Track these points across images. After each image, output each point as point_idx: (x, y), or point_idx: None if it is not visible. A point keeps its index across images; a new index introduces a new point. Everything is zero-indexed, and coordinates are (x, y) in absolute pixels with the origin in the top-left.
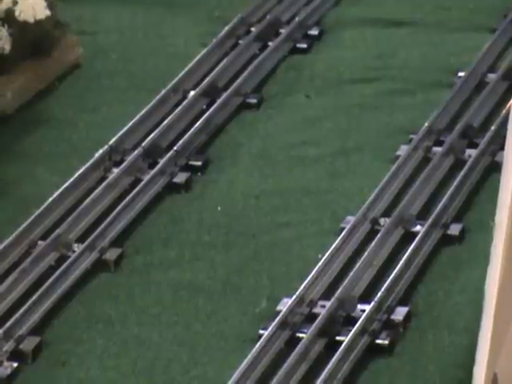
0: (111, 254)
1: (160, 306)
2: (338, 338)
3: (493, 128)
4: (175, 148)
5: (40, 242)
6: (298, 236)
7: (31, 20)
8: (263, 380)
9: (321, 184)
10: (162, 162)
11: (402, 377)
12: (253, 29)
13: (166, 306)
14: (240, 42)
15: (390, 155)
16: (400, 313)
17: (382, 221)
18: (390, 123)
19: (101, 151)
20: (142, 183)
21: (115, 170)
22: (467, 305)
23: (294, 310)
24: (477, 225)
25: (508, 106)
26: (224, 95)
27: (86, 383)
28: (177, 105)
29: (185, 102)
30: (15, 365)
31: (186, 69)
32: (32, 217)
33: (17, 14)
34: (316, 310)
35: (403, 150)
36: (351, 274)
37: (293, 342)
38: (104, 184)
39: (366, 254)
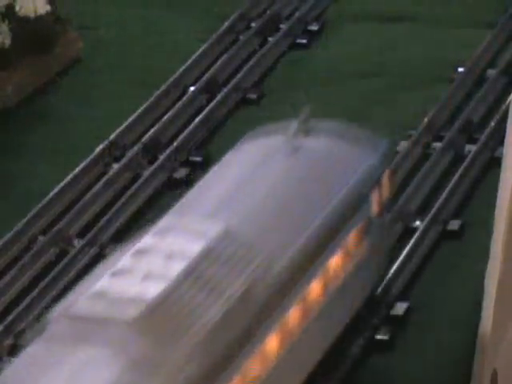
0: (111, 250)
1: None
2: None
3: (492, 124)
4: (175, 143)
5: (40, 237)
6: None
7: (32, 15)
8: None
9: None
10: (162, 157)
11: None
12: (253, 24)
13: None
14: (240, 37)
15: None
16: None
17: None
18: (389, 118)
19: (101, 146)
20: (142, 179)
21: (115, 166)
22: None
23: None
24: (476, 220)
25: (508, 101)
26: (224, 91)
27: None
28: (177, 100)
29: (185, 98)
30: None
31: (186, 64)
32: (32, 212)
33: (17, 9)
34: None
35: (402, 145)
36: None
37: None
38: (104, 179)
39: None
